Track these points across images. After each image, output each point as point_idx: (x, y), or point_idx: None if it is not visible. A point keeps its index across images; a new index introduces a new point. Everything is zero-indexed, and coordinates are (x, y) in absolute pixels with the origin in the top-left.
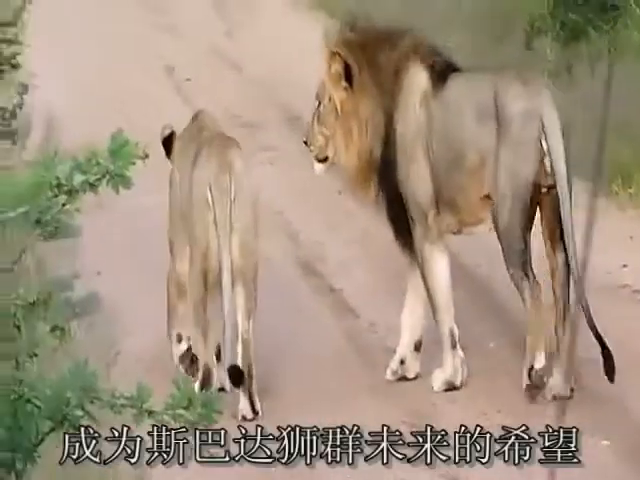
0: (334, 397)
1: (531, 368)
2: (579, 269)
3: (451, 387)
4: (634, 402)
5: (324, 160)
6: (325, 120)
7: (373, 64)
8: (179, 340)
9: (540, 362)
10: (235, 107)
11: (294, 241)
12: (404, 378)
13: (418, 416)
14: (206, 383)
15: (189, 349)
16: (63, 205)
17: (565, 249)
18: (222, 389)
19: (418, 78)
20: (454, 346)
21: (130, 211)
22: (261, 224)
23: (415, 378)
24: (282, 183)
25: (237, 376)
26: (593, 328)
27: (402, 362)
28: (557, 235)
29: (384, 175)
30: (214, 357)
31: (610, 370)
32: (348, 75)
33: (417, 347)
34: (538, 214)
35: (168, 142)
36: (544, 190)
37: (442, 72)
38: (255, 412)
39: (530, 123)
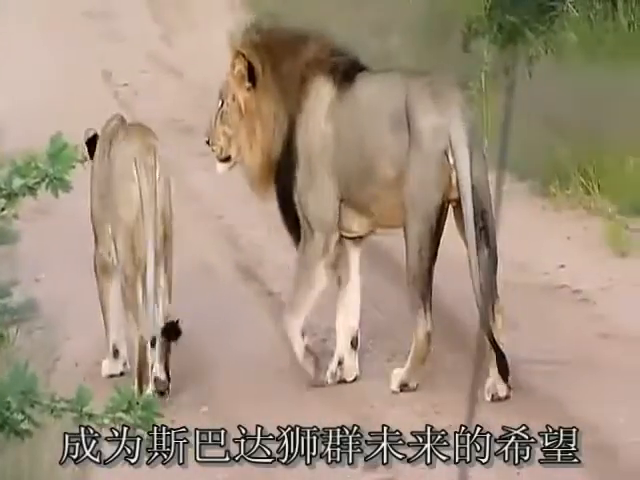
0: (272, 399)
1: (405, 384)
2: (481, 281)
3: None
4: (575, 404)
5: (226, 160)
6: (228, 119)
7: (277, 69)
8: (115, 354)
9: (415, 380)
10: (174, 112)
11: (234, 245)
12: (343, 381)
13: (356, 418)
14: (143, 367)
15: (122, 374)
16: (2, 209)
17: (489, 252)
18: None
19: (323, 89)
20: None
21: (69, 216)
22: (201, 229)
23: (354, 380)
24: (222, 188)
25: (174, 331)
26: (487, 332)
27: (340, 363)
28: None
29: (280, 178)
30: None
31: (504, 370)
32: (251, 75)
33: (353, 344)
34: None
35: (92, 144)
36: (454, 204)
37: (346, 72)
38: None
39: (438, 138)
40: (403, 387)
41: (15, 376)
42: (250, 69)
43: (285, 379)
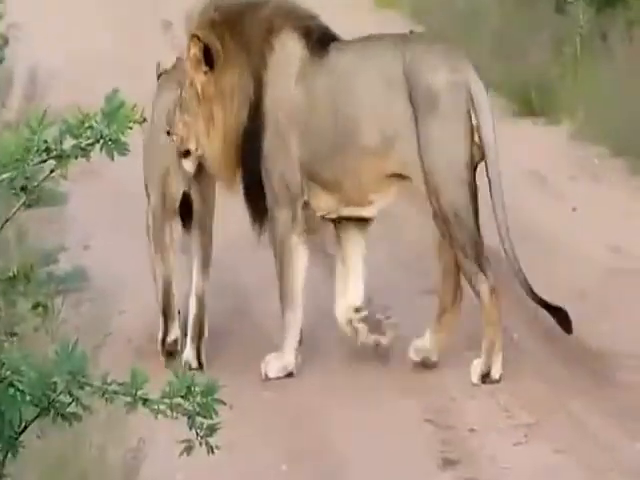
0: (344, 386)
1: (487, 375)
2: (512, 245)
3: (287, 373)
4: None
5: (187, 154)
6: (187, 107)
7: (239, 32)
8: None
9: (497, 370)
10: None
11: None
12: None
13: (435, 411)
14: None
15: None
16: (51, 171)
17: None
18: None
19: (292, 47)
20: (300, 343)
21: (121, 177)
22: None
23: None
24: None
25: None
26: (532, 296)
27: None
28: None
29: (247, 146)
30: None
31: (565, 323)
32: (208, 58)
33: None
34: None
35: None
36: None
37: (320, 40)
38: (200, 364)
39: (457, 96)
40: (484, 378)
41: (62, 354)
42: (207, 51)
43: (357, 365)
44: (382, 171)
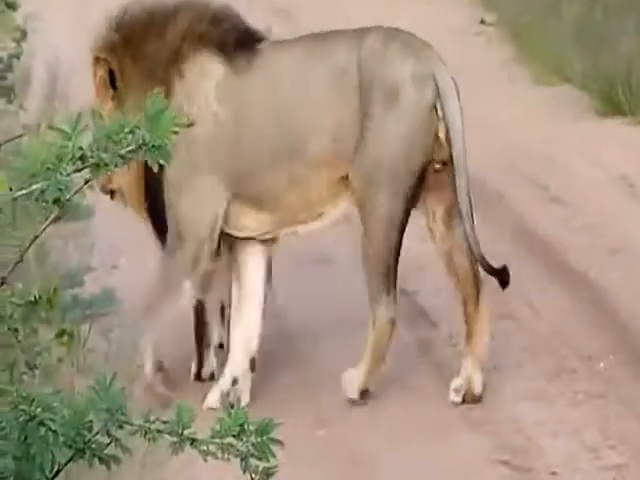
0: (405, 425)
1: (365, 392)
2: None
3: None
4: None
5: (113, 195)
6: None
7: (141, 58)
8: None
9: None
10: None
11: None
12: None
13: (511, 451)
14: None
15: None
16: (86, 182)
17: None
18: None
19: (207, 66)
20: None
21: None
22: None
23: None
24: None
25: None
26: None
27: (235, 382)
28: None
29: (148, 176)
30: None
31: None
32: (113, 82)
33: (252, 366)
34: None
35: None
36: (437, 167)
37: (241, 42)
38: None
39: (423, 88)
40: (363, 394)
41: (99, 389)
42: (111, 74)
43: (419, 397)
44: (332, 177)
